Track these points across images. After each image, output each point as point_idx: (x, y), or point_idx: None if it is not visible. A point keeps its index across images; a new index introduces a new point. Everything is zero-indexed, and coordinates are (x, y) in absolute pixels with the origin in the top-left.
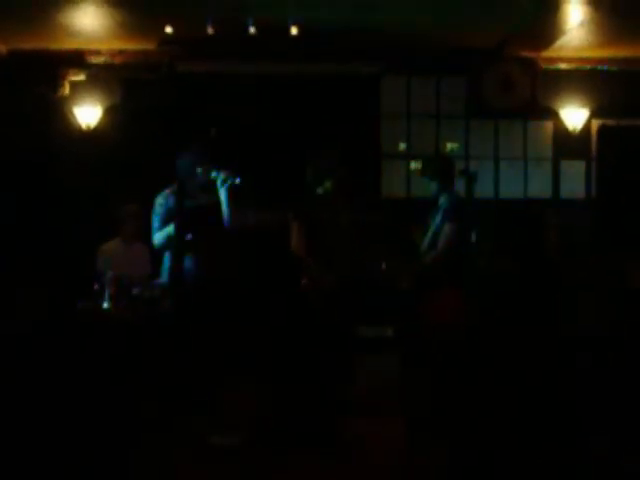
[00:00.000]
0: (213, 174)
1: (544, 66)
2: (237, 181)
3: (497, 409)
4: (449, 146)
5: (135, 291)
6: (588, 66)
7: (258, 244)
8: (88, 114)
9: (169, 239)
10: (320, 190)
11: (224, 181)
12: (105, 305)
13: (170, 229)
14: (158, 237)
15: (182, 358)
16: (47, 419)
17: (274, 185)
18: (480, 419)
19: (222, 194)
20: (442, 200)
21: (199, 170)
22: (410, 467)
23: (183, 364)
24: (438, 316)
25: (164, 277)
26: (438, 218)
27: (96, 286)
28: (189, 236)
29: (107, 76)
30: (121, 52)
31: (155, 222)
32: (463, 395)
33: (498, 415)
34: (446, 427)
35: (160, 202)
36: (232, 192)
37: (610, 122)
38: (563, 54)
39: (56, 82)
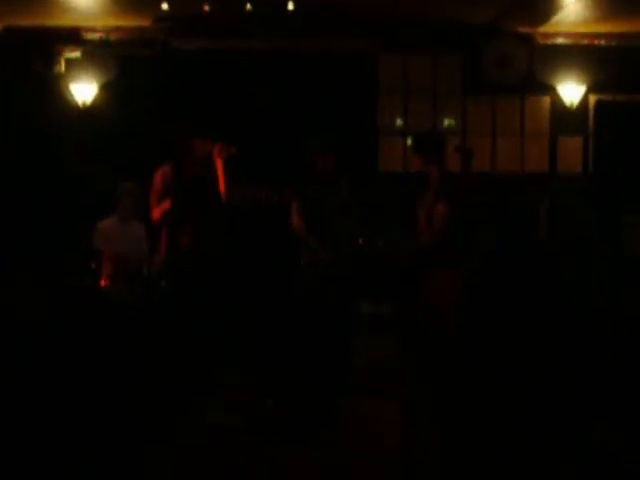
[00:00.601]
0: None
1: (541, 41)
2: (233, 151)
3: (494, 393)
4: (446, 122)
5: (132, 269)
6: (585, 41)
7: (257, 221)
8: (84, 91)
9: (167, 214)
10: (320, 166)
11: (220, 151)
12: (103, 283)
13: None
14: (156, 213)
15: (179, 336)
16: (46, 396)
17: (272, 162)
18: (477, 403)
19: (218, 164)
20: (433, 177)
21: (197, 143)
22: (407, 450)
23: (181, 343)
24: (436, 296)
25: (162, 254)
26: (430, 197)
27: (93, 264)
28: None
29: (103, 53)
30: (117, 29)
31: (154, 197)
32: (460, 378)
33: (495, 399)
34: (443, 410)
35: (159, 177)
36: (229, 165)
37: (607, 97)
38: (560, 29)
39: (52, 59)
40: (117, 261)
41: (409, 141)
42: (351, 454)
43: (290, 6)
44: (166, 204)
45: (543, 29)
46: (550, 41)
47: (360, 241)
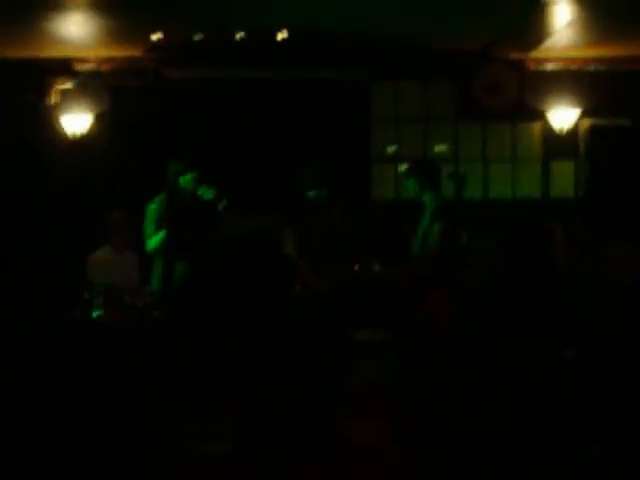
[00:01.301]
0: (200, 190)
1: (532, 67)
2: (225, 203)
3: (492, 413)
4: (438, 148)
5: (126, 300)
6: (576, 66)
7: (251, 250)
8: (76, 122)
9: (162, 244)
10: (312, 195)
11: (216, 200)
12: (95, 314)
13: (162, 234)
14: (152, 242)
15: (172, 365)
16: (39, 430)
17: (265, 191)
18: (475, 423)
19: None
20: (428, 202)
21: (187, 178)
22: (405, 473)
23: (173, 372)
24: (431, 319)
25: (155, 284)
26: (426, 220)
27: (86, 295)
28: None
29: (95, 84)
30: (108, 59)
31: (148, 228)
32: (458, 400)
33: (493, 420)
34: (440, 431)
35: (153, 207)
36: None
37: (598, 122)
38: (551, 55)
39: (44, 90)
40: (111, 292)
41: (401, 168)
42: (348, 477)
43: (280, 36)
44: (160, 234)
45: (534, 55)
46: (541, 67)
47: (356, 267)
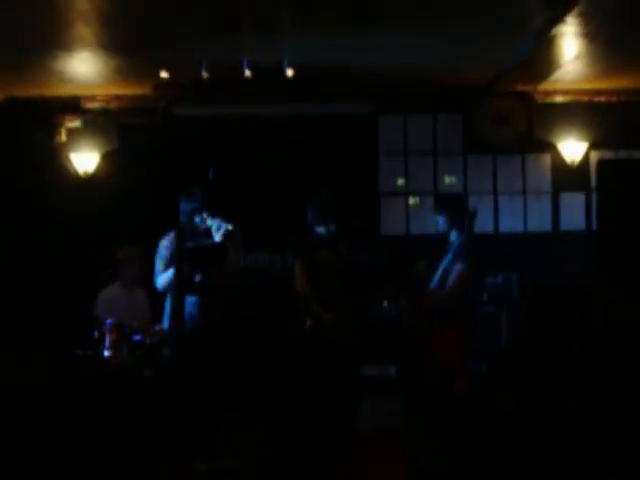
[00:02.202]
0: (209, 222)
1: (540, 99)
2: (230, 228)
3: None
4: (447, 181)
5: (136, 338)
6: (585, 98)
7: (260, 285)
8: (85, 160)
9: (172, 281)
10: (320, 230)
11: (218, 228)
12: (106, 353)
13: (171, 272)
14: (162, 280)
15: (183, 403)
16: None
17: (274, 227)
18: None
19: (217, 239)
20: (453, 238)
21: (197, 218)
22: None
23: (185, 409)
24: (442, 355)
25: (166, 322)
26: (449, 256)
27: (96, 333)
28: (197, 277)
29: (103, 122)
30: (117, 97)
31: (159, 265)
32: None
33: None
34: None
35: (165, 245)
36: (229, 237)
37: (608, 154)
38: (559, 87)
39: (52, 129)
40: (120, 330)
41: (412, 201)
42: None
43: (289, 72)
44: (169, 272)
45: (542, 87)
46: (549, 99)
47: (385, 303)
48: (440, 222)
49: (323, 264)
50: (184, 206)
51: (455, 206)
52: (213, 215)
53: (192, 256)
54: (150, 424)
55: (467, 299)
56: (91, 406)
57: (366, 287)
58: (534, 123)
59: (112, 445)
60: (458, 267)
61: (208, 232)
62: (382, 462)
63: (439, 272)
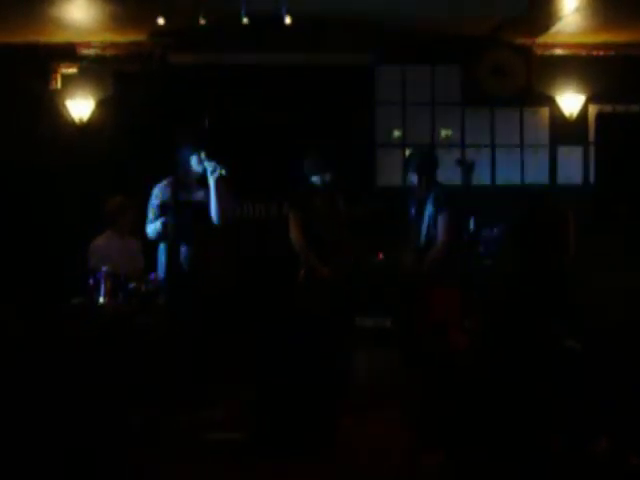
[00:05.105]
0: (205, 163)
1: (539, 52)
2: (223, 172)
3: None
4: (444, 133)
5: (131, 286)
6: (584, 52)
7: (254, 236)
8: (80, 107)
9: (162, 231)
10: (315, 180)
11: (212, 171)
12: (101, 300)
13: (159, 223)
14: (152, 229)
15: (178, 353)
16: (42, 416)
17: (270, 176)
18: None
19: (210, 184)
20: (428, 193)
21: (193, 160)
22: (409, 469)
23: (179, 359)
24: (437, 314)
25: (160, 270)
26: (429, 210)
27: (91, 281)
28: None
29: (99, 69)
30: (113, 44)
31: (150, 213)
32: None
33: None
34: (447, 427)
35: (156, 193)
36: (224, 183)
37: (607, 108)
38: (558, 40)
39: (48, 76)
40: (114, 278)
41: (408, 152)
42: (351, 472)
43: (287, 20)
44: (157, 222)
45: (541, 40)
46: (548, 52)
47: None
48: (415, 180)
49: (317, 214)
50: (179, 155)
51: (425, 162)
52: (209, 157)
53: (184, 208)
54: (145, 372)
55: (459, 253)
56: (89, 353)
57: (362, 239)
58: (533, 76)
59: (106, 392)
60: (443, 216)
61: (201, 181)
62: (376, 419)
63: (424, 226)
